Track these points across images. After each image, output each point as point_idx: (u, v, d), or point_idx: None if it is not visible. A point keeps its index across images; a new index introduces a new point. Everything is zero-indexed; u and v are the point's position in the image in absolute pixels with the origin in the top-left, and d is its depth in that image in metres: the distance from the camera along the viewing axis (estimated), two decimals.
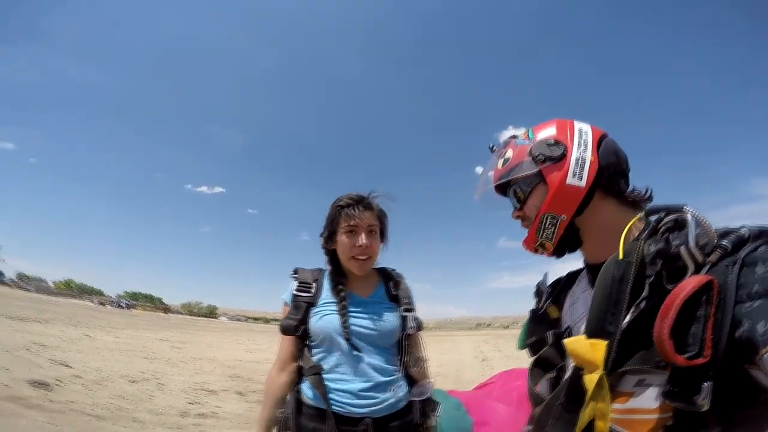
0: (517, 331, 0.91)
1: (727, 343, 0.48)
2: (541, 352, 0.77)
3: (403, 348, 1.37)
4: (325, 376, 1.29)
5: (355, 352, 1.29)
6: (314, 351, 1.33)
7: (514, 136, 0.83)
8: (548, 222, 0.74)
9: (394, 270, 1.50)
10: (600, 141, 0.74)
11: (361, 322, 1.32)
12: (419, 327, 1.40)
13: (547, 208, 0.73)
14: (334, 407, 1.24)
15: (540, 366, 0.77)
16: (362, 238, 1.33)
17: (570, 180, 0.71)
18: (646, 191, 0.75)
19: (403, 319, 1.37)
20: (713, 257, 0.53)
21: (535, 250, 0.79)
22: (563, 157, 0.72)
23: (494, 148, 0.87)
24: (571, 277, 0.86)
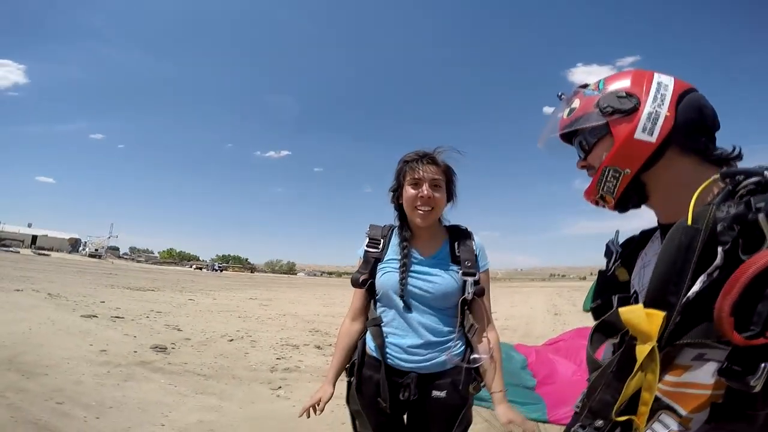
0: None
1: None
2: (605, 316, 0.74)
3: (460, 312, 1.39)
4: (383, 328, 1.41)
5: (408, 311, 1.38)
6: (378, 305, 1.47)
7: (585, 86, 0.80)
8: (610, 175, 0.71)
9: (465, 229, 1.51)
10: (682, 96, 0.69)
11: (416, 282, 1.39)
12: (480, 293, 1.38)
13: (611, 161, 0.71)
14: (387, 359, 1.37)
15: (602, 331, 0.75)
16: (425, 189, 1.38)
17: (639, 134, 0.67)
18: (734, 150, 0.69)
19: (463, 282, 1.39)
20: None
21: (596, 203, 0.78)
22: (635, 110, 0.68)
23: (563, 96, 0.84)
24: (645, 237, 0.82)
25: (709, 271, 0.52)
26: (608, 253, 0.86)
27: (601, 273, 0.86)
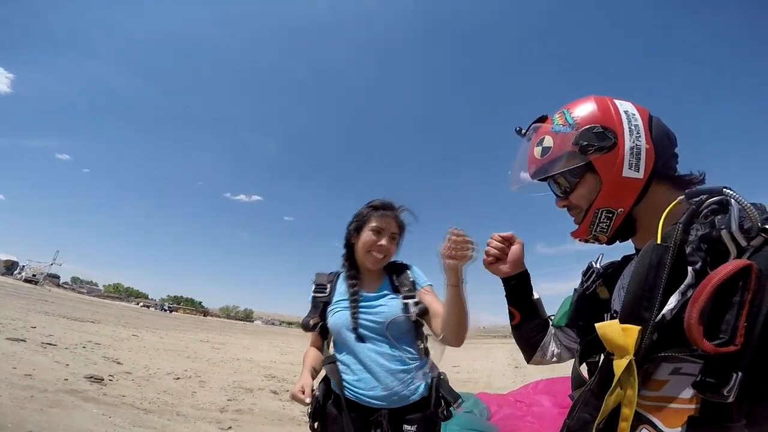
0: None
1: (763, 333, 0.46)
2: (591, 336, 0.73)
3: (417, 333, 1.44)
4: (341, 367, 1.40)
5: (364, 344, 1.38)
6: (333, 344, 1.48)
7: (545, 118, 0.80)
8: (603, 216, 0.72)
9: (402, 262, 1.58)
10: (650, 124, 0.71)
11: (367, 316, 1.42)
12: (423, 312, 1.41)
13: (603, 202, 0.71)
14: (350, 395, 1.34)
15: (588, 349, 0.75)
16: (385, 240, 1.47)
17: (626, 172, 0.68)
18: (700, 174, 0.73)
19: (405, 306, 1.42)
20: (757, 241, 0.51)
21: (586, 241, 0.78)
22: (614, 145, 0.69)
23: (523, 131, 0.83)
24: (626, 260, 0.84)
25: (681, 289, 0.54)
26: (587, 271, 0.87)
27: (576, 290, 0.87)
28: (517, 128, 0.84)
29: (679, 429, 0.53)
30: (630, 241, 0.80)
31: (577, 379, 0.77)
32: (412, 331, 1.44)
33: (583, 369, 0.80)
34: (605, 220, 0.72)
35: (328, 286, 1.54)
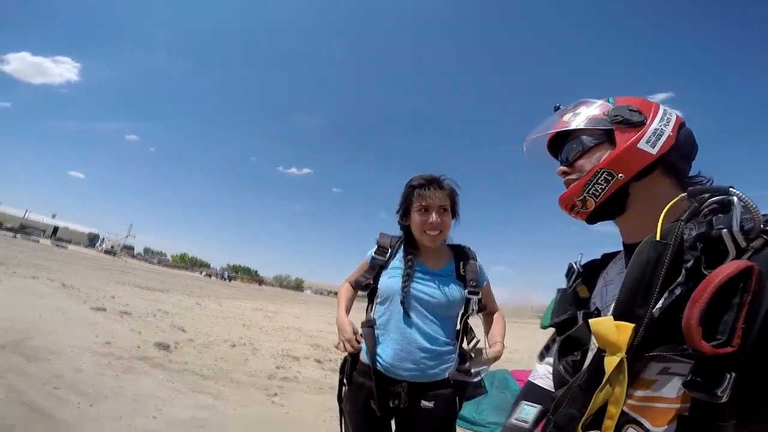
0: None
1: (760, 334, 0.46)
2: (570, 331, 0.76)
3: (461, 324, 1.49)
4: (377, 331, 1.43)
5: (410, 316, 1.40)
6: (377, 308, 1.50)
7: (590, 100, 0.81)
8: (602, 177, 0.71)
9: (469, 249, 1.58)
10: (681, 125, 0.73)
11: (423, 288, 1.43)
12: (482, 310, 1.48)
13: (608, 164, 0.70)
14: (378, 366, 1.39)
15: (567, 345, 0.76)
16: (434, 216, 1.45)
17: (642, 144, 0.69)
18: (708, 179, 0.73)
19: (467, 300, 1.45)
20: (757, 243, 0.50)
21: (572, 208, 0.76)
22: (642, 124, 0.70)
23: (561, 107, 0.84)
24: (606, 259, 0.84)
25: (671, 287, 0.54)
26: (569, 272, 0.87)
27: (560, 290, 0.87)
28: (557, 105, 0.85)
29: (666, 428, 0.53)
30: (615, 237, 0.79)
31: (559, 377, 0.77)
32: (456, 317, 1.47)
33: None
34: (602, 182, 0.71)
35: (390, 250, 1.54)
